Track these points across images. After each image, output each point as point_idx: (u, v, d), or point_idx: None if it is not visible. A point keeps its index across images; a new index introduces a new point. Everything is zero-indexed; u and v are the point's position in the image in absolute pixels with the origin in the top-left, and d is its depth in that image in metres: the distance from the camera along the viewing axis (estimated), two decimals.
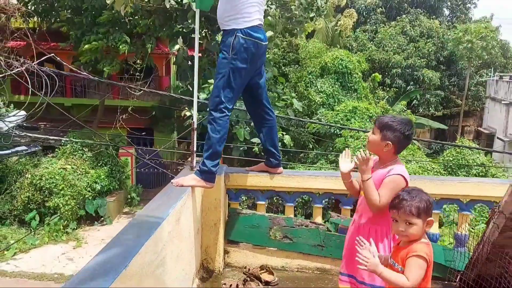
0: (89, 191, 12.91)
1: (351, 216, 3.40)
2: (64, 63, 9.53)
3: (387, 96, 21.05)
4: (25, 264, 10.49)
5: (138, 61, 13.23)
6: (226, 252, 3.44)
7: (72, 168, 12.97)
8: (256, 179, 3.42)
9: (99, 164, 13.90)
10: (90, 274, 1.62)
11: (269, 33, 11.39)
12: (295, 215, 3.67)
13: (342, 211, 3.50)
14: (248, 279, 3.12)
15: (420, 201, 1.97)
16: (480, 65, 25.84)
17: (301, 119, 13.18)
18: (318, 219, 3.53)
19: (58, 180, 12.27)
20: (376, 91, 20.77)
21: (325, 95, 16.34)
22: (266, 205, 3.64)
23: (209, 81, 11.21)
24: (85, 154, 13.66)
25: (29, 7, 12.97)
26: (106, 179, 13.59)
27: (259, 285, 3.10)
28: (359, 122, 14.32)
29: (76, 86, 18.54)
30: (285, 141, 12.74)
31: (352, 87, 16.89)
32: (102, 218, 13.19)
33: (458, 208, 3.41)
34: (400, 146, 2.30)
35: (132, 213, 14.17)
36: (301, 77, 17.45)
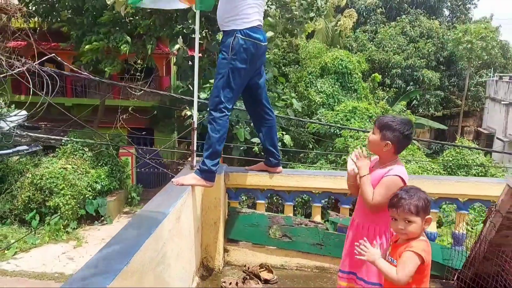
0: (89, 191, 12.93)
1: (350, 215, 3.44)
2: (65, 63, 9.56)
3: (387, 96, 21.07)
4: (26, 264, 10.51)
5: (139, 61, 13.26)
6: (226, 250, 3.47)
7: (73, 167, 13.00)
8: (256, 178, 3.45)
9: (99, 164, 13.93)
10: (91, 271, 1.64)
11: (270, 34, 11.42)
12: (294, 215, 3.70)
13: (341, 210, 3.53)
14: (248, 277, 3.14)
15: (419, 200, 2.01)
16: (480, 65, 25.85)
17: (301, 119, 13.21)
18: (317, 218, 3.56)
19: (58, 180, 12.29)
20: (376, 91, 20.80)
21: (325, 95, 16.37)
22: (266, 205, 3.66)
23: (210, 81, 11.25)
24: (86, 154, 13.69)
25: (30, 8, 12.99)
26: (106, 179, 13.62)
27: (258, 283, 3.13)
28: (359, 122, 14.35)
29: (77, 86, 18.57)
30: (285, 141, 12.77)
31: (352, 87, 16.91)
32: (103, 218, 13.22)
33: (456, 207, 3.44)
34: (400, 146, 2.31)
35: (132, 212, 14.20)
36: (301, 77, 17.48)
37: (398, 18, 26.04)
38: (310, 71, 17.17)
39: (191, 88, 12.14)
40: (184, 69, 13.85)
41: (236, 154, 12.64)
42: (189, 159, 3.40)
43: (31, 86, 6.70)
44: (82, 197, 12.68)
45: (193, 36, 11.89)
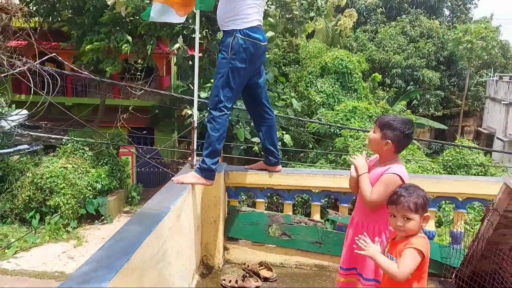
0: (89, 190, 12.96)
1: (349, 213, 3.47)
2: (66, 63, 9.58)
3: (387, 96, 21.08)
4: (26, 263, 10.54)
5: (139, 61, 13.28)
6: (225, 248, 3.49)
7: (73, 167, 13.03)
8: (255, 177, 3.47)
9: (99, 163, 13.96)
10: (93, 267, 1.66)
11: (270, 34, 11.44)
12: (295, 214, 3.72)
13: (340, 208, 3.56)
14: (247, 275, 3.16)
15: (418, 197, 2.03)
16: (480, 65, 25.86)
17: (301, 118, 13.23)
18: (317, 216, 3.59)
19: (59, 179, 12.32)
20: (376, 91, 20.82)
21: (325, 95, 16.39)
22: (266, 205, 3.69)
23: (211, 80, 11.28)
24: (86, 153, 13.72)
25: (31, 7, 13.01)
26: (106, 178, 13.65)
27: (258, 281, 3.15)
28: (359, 122, 14.37)
29: (77, 86, 18.60)
30: (285, 140, 12.80)
31: (352, 87, 16.93)
32: (103, 217, 13.24)
33: (454, 206, 3.46)
34: (400, 145, 2.33)
35: (132, 212, 14.22)
36: (301, 77, 17.50)
37: (398, 18, 26.05)
38: (310, 70, 17.19)
39: (192, 88, 12.16)
40: (184, 69, 13.87)
41: (236, 154, 12.66)
42: (189, 158, 3.43)
43: (32, 86, 6.73)
44: (82, 196, 12.70)
45: (193, 36, 11.90)
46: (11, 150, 9.00)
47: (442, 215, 11.25)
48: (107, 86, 16.63)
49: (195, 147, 3.38)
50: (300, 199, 11.41)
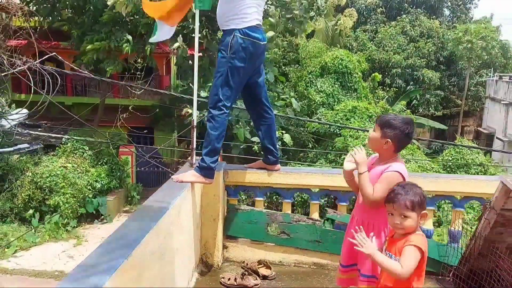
0: (89, 190, 12.97)
1: (347, 212, 3.48)
2: (66, 62, 9.59)
3: (387, 96, 21.09)
4: (26, 262, 10.56)
5: (139, 60, 13.28)
6: (225, 247, 3.51)
7: (73, 166, 13.04)
8: (254, 176, 3.49)
9: (99, 163, 13.98)
10: (93, 263, 1.68)
11: (270, 33, 11.45)
12: (294, 213, 3.74)
13: (339, 207, 3.57)
14: (246, 273, 3.18)
15: (415, 195, 2.05)
16: (480, 65, 25.86)
17: (301, 118, 13.23)
18: (315, 215, 3.60)
19: (58, 178, 12.34)
20: (376, 91, 20.82)
21: (325, 95, 16.39)
22: (266, 204, 3.70)
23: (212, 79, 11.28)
24: (86, 152, 13.73)
25: (31, 7, 13.01)
26: (106, 178, 13.66)
27: (256, 279, 3.17)
28: (359, 122, 14.38)
29: (77, 85, 18.62)
30: (285, 140, 12.81)
31: (352, 87, 16.93)
32: (103, 217, 13.26)
33: (452, 204, 3.48)
34: (400, 144, 2.33)
35: (132, 211, 14.23)
36: (301, 76, 17.50)
37: (398, 17, 26.05)
38: (310, 70, 17.19)
39: (192, 87, 12.16)
40: (184, 68, 13.88)
41: (236, 153, 12.68)
42: (189, 158, 3.44)
43: (32, 85, 6.74)
44: (82, 195, 12.72)
45: (193, 35, 11.91)
46: (11, 149, 9.02)
47: (442, 215, 11.28)
48: (107, 86, 16.64)
49: (194, 146, 3.40)
50: (300, 199, 11.43)
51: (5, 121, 7.72)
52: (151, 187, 15.54)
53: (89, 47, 12.53)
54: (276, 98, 13.49)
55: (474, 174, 13.28)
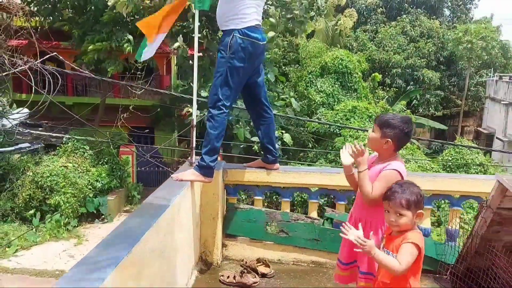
0: (90, 189, 13.00)
1: (346, 211, 3.51)
2: (66, 62, 9.63)
3: (387, 96, 21.11)
4: (27, 261, 10.58)
5: (140, 60, 13.27)
6: (224, 245, 3.54)
7: (73, 166, 13.07)
8: (254, 175, 3.52)
9: (100, 162, 14.00)
10: (94, 260, 1.71)
11: (271, 34, 11.47)
12: (293, 212, 3.76)
13: (337, 206, 3.60)
14: (245, 271, 3.21)
15: (411, 194, 2.08)
16: (480, 65, 25.87)
17: (301, 118, 13.25)
18: (314, 214, 3.63)
19: (59, 178, 12.37)
20: (376, 91, 20.83)
21: (325, 95, 16.41)
22: (266, 204, 3.73)
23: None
24: (86, 152, 13.76)
25: (32, 7, 13.04)
26: (107, 177, 13.69)
27: (255, 277, 3.20)
28: (359, 122, 14.40)
29: (78, 85, 18.65)
30: (285, 139, 12.82)
31: (352, 87, 16.95)
32: (103, 216, 13.29)
33: (450, 203, 3.51)
34: (399, 143, 2.36)
35: (132, 211, 14.24)
36: (301, 76, 17.52)
37: (398, 17, 26.06)
38: (310, 70, 17.20)
39: (192, 85, 12.17)
40: (184, 68, 13.89)
41: (236, 153, 12.70)
42: (189, 158, 3.47)
43: (33, 85, 6.77)
44: (82, 195, 12.74)
45: (193, 35, 11.94)
46: (12, 148, 9.05)
47: (442, 215, 11.29)
48: (107, 86, 16.68)
49: (194, 145, 3.43)
50: (299, 199, 11.45)
51: (6, 121, 7.76)
52: (152, 187, 15.53)
53: (90, 47, 12.54)
54: (276, 98, 13.50)
55: (473, 174, 13.31)
